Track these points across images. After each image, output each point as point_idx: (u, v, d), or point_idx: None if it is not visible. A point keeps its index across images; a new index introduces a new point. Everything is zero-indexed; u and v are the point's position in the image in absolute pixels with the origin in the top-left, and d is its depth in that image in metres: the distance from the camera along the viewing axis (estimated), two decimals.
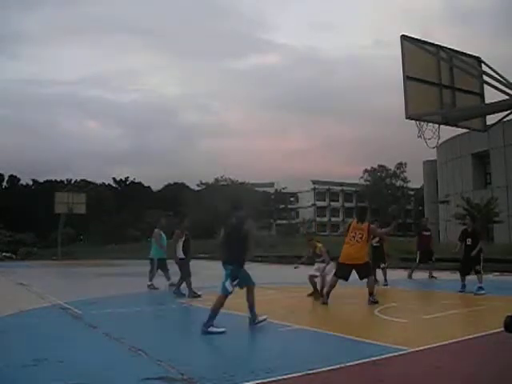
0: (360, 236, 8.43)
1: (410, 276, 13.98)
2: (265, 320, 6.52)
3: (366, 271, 8.54)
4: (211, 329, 5.95)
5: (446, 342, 5.26)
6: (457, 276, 11.66)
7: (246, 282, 6.56)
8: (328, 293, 8.59)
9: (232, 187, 58.42)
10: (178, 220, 11.99)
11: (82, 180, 63.75)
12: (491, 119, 9.76)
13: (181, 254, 9.89)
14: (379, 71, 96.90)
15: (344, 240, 8.71)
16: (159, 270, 12.07)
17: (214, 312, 6.14)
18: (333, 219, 77.44)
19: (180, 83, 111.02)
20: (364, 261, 8.55)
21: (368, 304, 8.31)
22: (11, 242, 42.98)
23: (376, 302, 8.27)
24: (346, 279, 8.62)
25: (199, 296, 9.59)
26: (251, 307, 6.51)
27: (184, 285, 9.96)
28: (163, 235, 12.39)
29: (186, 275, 9.87)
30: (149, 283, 11.61)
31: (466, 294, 10.18)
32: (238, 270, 6.36)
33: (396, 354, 4.75)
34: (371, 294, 8.48)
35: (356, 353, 4.83)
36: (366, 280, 8.59)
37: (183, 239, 10.02)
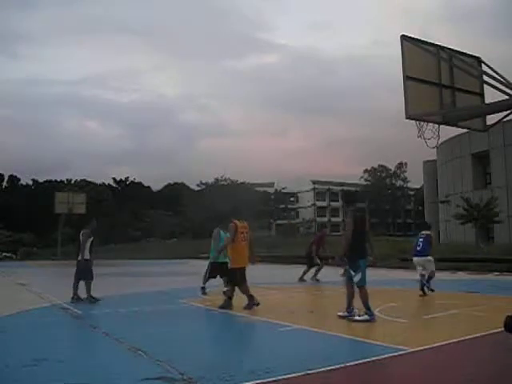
0: (246, 232, 8.16)
1: None
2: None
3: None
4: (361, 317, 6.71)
5: (446, 342, 5.25)
6: (457, 276, 11.67)
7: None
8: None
9: (232, 187, 58.42)
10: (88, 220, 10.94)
11: (82, 180, 63.82)
12: (491, 119, 9.74)
13: (87, 255, 9.47)
14: (379, 71, 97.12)
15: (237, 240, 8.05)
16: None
17: (366, 303, 6.79)
18: (333, 219, 77.38)
19: (180, 83, 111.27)
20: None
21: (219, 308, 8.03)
22: (11, 242, 43.03)
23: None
24: None
25: (82, 300, 9.15)
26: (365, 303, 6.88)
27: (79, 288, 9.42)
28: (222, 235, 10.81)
29: (88, 277, 9.35)
30: (224, 289, 10.22)
31: (466, 294, 10.19)
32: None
33: (396, 354, 4.74)
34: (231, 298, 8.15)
35: (356, 353, 4.83)
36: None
37: (91, 239, 9.66)
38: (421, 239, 10.66)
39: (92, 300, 9.16)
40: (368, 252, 7.22)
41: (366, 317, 6.77)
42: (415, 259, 10.60)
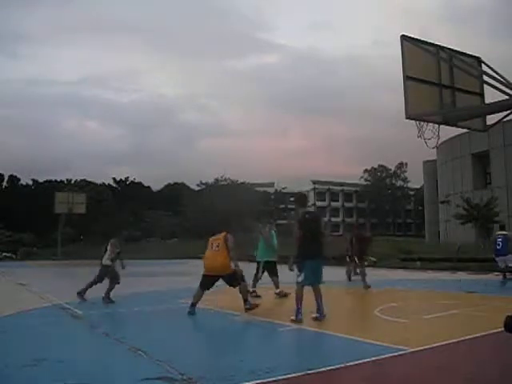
0: (217, 245, 7.91)
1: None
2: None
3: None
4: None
5: (446, 342, 5.25)
6: (456, 276, 11.64)
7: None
8: None
9: (232, 187, 58.39)
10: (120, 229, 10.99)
11: (82, 180, 63.79)
12: (491, 119, 9.75)
13: (109, 262, 9.58)
14: (379, 71, 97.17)
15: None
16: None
17: (298, 302, 6.80)
18: (333, 219, 77.46)
19: (180, 83, 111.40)
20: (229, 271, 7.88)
21: (245, 311, 7.68)
22: (11, 242, 42.97)
23: (252, 309, 7.69)
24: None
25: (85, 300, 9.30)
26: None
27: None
28: (274, 233, 10.49)
29: (116, 280, 9.62)
30: (251, 289, 9.57)
31: (466, 294, 10.19)
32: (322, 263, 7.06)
33: (396, 354, 4.74)
34: (246, 300, 7.86)
35: (356, 353, 4.83)
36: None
37: (118, 251, 9.69)
38: (499, 239, 12.10)
39: (108, 301, 9.25)
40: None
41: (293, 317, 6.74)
42: (497, 259, 12.32)
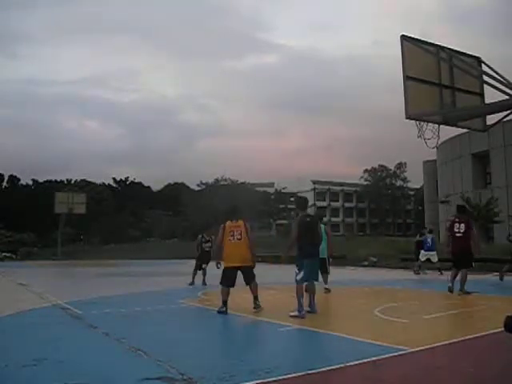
0: (239, 233, 7.69)
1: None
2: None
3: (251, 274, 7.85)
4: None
5: (446, 342, 5.25)
6: (457, 276, 11.53)
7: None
8: None
9: (232, 187, 58.38)
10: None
11: (82, 180, 63.84)
12: (491, 119, 9.76)
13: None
14: (379, 71, 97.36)
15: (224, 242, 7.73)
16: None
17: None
18: (333, 219, 77.46)
19: (180, 83, 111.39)
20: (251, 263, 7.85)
21: (253, 309, 7.71)
22: (11, 242, 42.96)
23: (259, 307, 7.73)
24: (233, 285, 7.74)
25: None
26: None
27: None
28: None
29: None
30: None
31: (466, 294, 10.18)
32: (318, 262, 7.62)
33: (396, 354, 4.74)
34: (256, 297, 7.86)
35: (356, 353, 4.82)
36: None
37: None
38: (429, 239, 16.63)
39: None
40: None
41: (296, 313, 7.10)
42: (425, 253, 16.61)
